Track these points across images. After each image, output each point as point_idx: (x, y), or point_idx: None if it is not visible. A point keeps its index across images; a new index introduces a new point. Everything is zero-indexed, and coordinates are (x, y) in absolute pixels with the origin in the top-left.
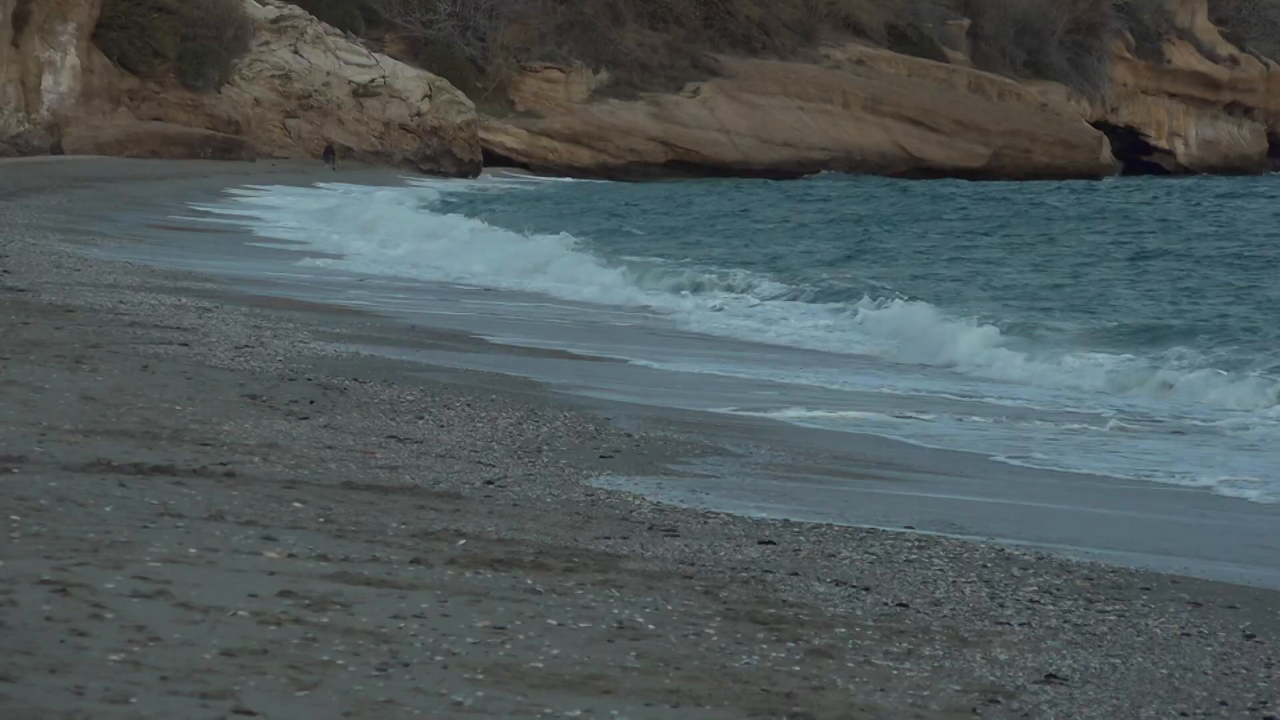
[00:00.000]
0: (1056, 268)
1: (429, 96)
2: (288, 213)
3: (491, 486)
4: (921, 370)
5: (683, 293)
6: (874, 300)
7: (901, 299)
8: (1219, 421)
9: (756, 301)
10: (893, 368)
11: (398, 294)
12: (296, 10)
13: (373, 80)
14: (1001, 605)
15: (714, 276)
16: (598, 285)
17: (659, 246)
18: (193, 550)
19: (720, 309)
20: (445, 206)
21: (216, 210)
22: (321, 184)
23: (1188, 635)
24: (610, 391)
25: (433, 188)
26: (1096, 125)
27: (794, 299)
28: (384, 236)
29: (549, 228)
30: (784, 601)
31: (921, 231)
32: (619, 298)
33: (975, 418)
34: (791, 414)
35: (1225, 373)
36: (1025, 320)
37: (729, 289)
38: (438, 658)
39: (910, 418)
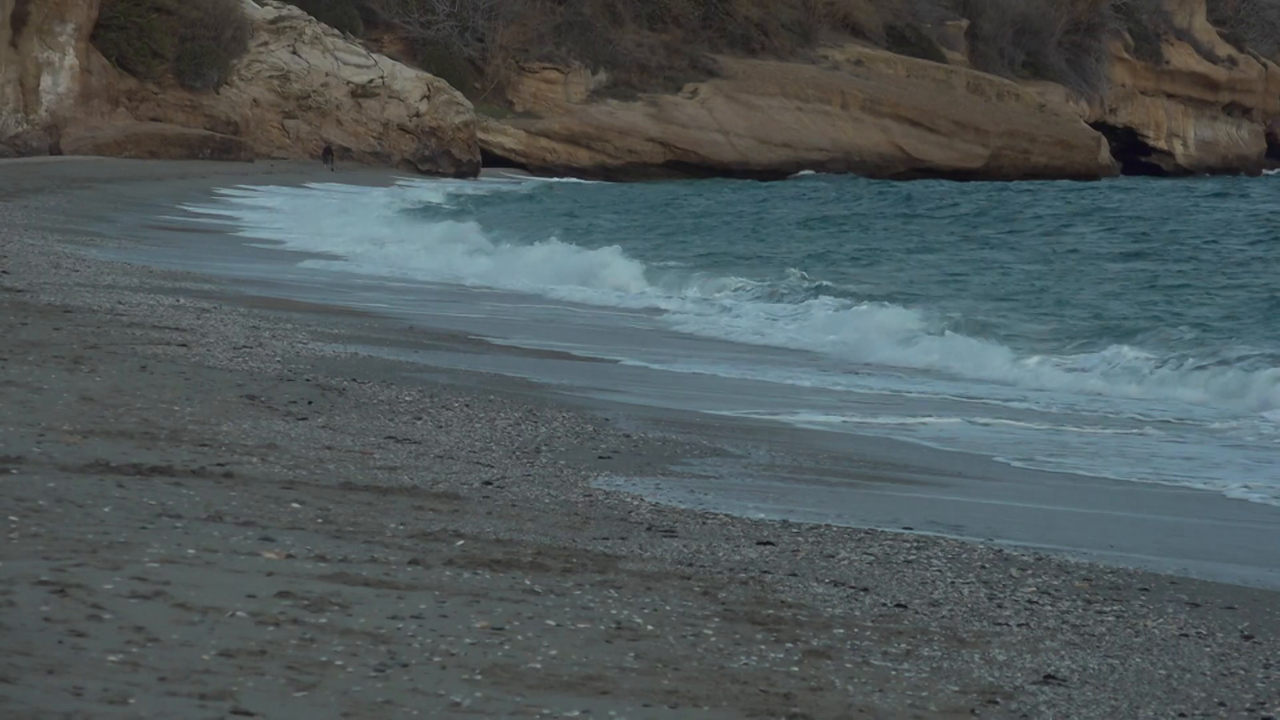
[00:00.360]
0: (1038, 267)
1: (427, 97)
2: (279, 214)
3: (490, 487)
4: (910, 372)
5: (674, 294)
6: (855, 301)
7: (882, 300)
8: (1214, 422)
9: (735, 302)
10: (884, 368)
11: (394, 295)
12: (295, 11)
13: (371, 81)
14: (1000, 606)
15: (700, 278)
16: (585, 288)
17: (643, 248)
18: (191, 551)
19: (709, 311)
20: (428, 207)
21: (212, 211)
22: (313, 184)
23: (1186, 636)
24: (608, 392)
25: (422, 187)
26: (1095, 126)
27: (777, 300)
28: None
29: (526, 231)
30: (782, 602)
31: (903, 231)
32: (610, 299)
33: (967, 418)
34: (788, 417)
35: (1215, 372)
36: (1007, 320)
37: (715, 290)
38: (436, 658)
39: (906, 418)
